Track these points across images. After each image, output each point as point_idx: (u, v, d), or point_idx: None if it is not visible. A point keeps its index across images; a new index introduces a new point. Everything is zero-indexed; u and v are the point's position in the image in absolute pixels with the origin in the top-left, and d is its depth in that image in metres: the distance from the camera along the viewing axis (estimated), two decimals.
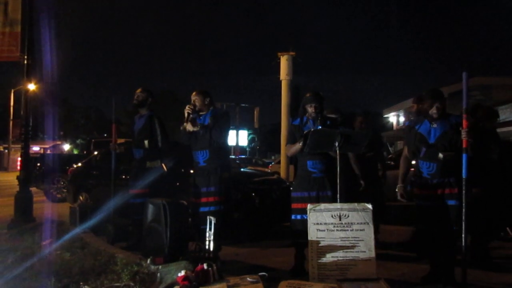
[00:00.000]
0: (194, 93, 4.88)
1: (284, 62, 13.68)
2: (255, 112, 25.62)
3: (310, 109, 4.37)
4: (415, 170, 4.15)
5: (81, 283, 3.69)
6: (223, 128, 4.76)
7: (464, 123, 3.72)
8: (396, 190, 4.26)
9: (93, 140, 15.63)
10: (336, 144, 4.03)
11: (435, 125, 3.99)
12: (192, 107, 4.77)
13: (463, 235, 3.67)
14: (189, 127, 4.76)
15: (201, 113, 4.85)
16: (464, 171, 3.72)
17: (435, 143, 3.95)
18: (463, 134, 3.72)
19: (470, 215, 3.72)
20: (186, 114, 4.77)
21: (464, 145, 3.72)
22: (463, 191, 3.71)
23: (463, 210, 3.68)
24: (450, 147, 3.89)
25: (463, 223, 3.67)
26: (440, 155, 3.90)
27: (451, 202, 3.89)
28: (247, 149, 29.13)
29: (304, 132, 4.25)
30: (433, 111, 3.95)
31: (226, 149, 5.01)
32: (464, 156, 3.72)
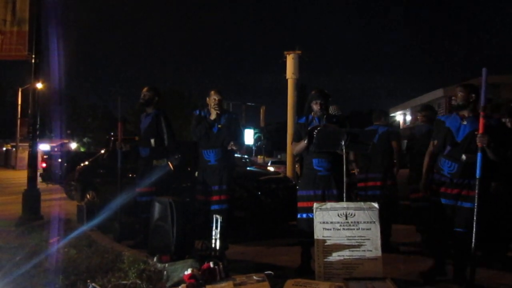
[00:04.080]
0: (214, 92, 4.89)
1: (290, 61, 13.67)
2: (261, 111, 25.61)
3: (316, 107, 4.35)
4: (436, 166, 4.04)
5: (89, 281, 3.71)
6: (242, 134, 5.19)
7: (481, 121, 3.62)
8: (420, 186, 4.20)
9: (112, 138, 15.62)
10: (342, 142, 4.02)
11: (465, 122, 3.85)
12: (218, 107, 4.84)
13: (473, 234, 3.63)
14: (234, 147, 4.78)
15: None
16: (478, 171, 3.64)
17: (461, 142, 3.83)
18: (478, 140, 3.63)
19: (489, 213, 3.65)
20: (215, 114, 4.86)
21: (479, 145, 3.64)
22: (476, 191, 3.65)
23: (475, 210, 3.64)
24: (476, 148, 3.69)
25: (474, 223, 3.63)
26: (463, 156, 3.78)
27: (466, 205, 3.81)
28: (253, 148, 29.09)
29: (309, 129, 4.24)
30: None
31: (243, 145, 5.12)
32: (479, 155, 3.64)
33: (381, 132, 5.48)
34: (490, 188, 4.40)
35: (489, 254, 4.63)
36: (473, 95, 3.84)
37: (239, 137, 4.98)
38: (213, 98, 4.86)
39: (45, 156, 16.93)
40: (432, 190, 4.03)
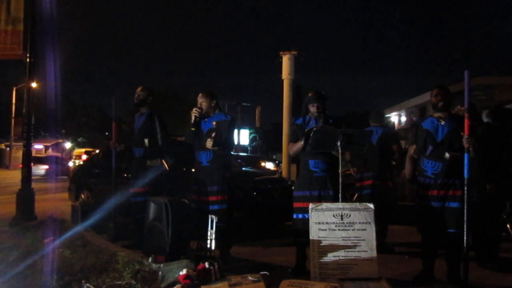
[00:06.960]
0: (200, 95, 4.80)
1: (286, 61, 13.71)
2: (256, 111, 25.62)
3: (313, 109, 4.36)
4: (419, 168, 4.09)
5: (83, 281, 3.69)
6: (229, 138, 4.76)
7: (466, 122, 3.70)
8: (406, 191, 4.25)
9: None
10: (338, 143, 4.03)
11: (443, 122, 3.94)
12: (199, 110, 4.72)
13: (465, 235, 3.66)
14: (208, 144, 4.59)
15: (207, 115, 4.80)
16: (466, 171, 3.70)
17: (443, 141, 3.90)
18: (464, 141, 3.70)
19: (478, 214, 3.70)
20: (193, 117, 4.72)
21: (466, 146, 3.72)
22: (465, 191, 3.70)
23: (465, 211, 3.67)
24: (459, 145, 3.80)
25: (465, 224, 3.66)
26: (447, 154, 3.84)
27: (454, 205, 3.85)
28: (249, 148, 29.03)
29: (306, 130, 4.25)
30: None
31: (229, 149, 5.00)
32: (466, 155, 3.70)
33: (381, 134, 5.50)
34: (485, 190, 4.45)
35: (482, 254, 4.65)
36: (451, 97, 4.07)
37: (224, 138, 4.69)
38: None
39: (86, 156, 16.95)
40: (419, 194, 4.07)
